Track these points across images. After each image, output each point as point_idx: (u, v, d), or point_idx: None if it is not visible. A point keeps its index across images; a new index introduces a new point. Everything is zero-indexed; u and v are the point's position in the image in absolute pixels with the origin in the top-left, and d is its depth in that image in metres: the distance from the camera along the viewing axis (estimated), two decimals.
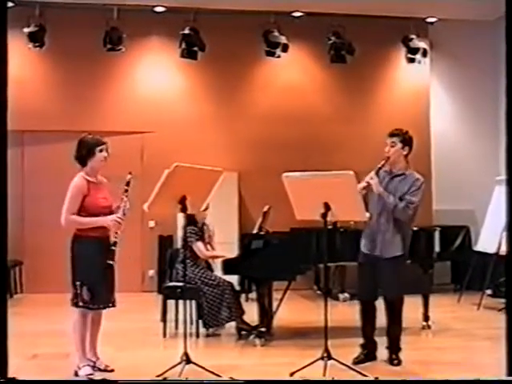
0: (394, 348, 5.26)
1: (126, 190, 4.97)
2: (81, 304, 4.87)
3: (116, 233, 4.88)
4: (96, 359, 5.08)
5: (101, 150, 4.97)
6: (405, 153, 5.26)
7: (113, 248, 4.87)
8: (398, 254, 5.15)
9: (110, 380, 4.79)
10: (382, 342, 5.32)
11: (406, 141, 5.26)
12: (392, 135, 5.26)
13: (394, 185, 5.21)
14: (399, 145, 5.22)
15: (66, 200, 4.88)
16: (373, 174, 5.15)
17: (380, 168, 5.20)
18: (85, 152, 4.97)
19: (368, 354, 5.31)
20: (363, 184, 5.08)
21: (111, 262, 4.87)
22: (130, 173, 4.99)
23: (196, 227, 6.61)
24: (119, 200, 4.99)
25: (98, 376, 4.90)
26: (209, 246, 6.74)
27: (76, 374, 4.91)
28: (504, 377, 3.70)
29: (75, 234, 4.93)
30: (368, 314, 5.34)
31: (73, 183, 4.92)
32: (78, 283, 4.86)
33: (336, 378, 4.69)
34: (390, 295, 5.22)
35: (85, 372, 4.88)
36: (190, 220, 6.40)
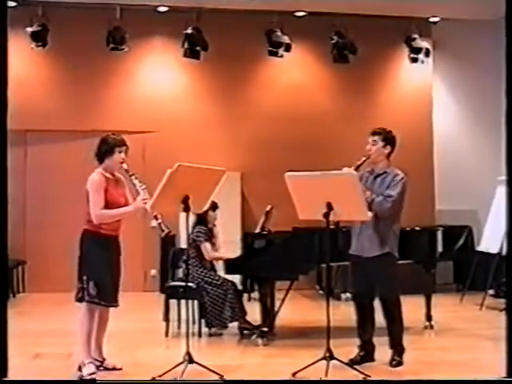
0: (397, 348, 5.24)
1: (131, 175, 4.96)
2: (87, 298, 4.86)
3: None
4: (102, 359, 5.07)
5: (120, 152, 5.00)
6: (386, 152, 5.23)
7: (159, 221, 4.94)
8: (379, 253, 5.12)
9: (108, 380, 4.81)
10: (383, 343, 5.31)
11: (388, 140, 5.23)
12: (374, 133, 5.24)
13: (377, 184, 5.19)
14: (381, 143, 5.21)
15: (91, 197, 4.87)
16: (351, 169, 5.07)
17: (359, 165, 5.15)
18: (104, 150, 4.99)
19: (365, 355, 5.28)
20: None
21: (167, 230, 4.94)
22: (121, 162, 4.98)
23: (206, 227, 6.60)
24: (132, 189, 5.03)
25: (102, 375, 4.90)
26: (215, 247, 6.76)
27: (80, 370, 4.90)
28: (504, 376, 3.70)
29: (85, 229, 4.93)
30: (364, 316, 5.32)
31: (91, 180, 4.92)
32: (84, 278, 4.86)
33: (338, 378, 4.69)
34: (381, 294, 5.21)
35: (88, 370, 4.86)
36: (201, 220, 6.42)
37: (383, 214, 5.09)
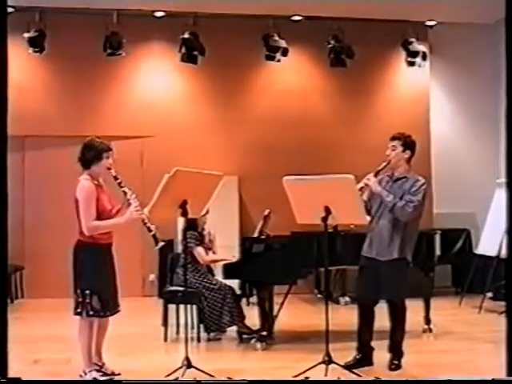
0: (396, 352, 5.25)
1: (120, 183, 4.83)
2: (91, 313, 4.75)
3: (142, 220, 4.77)
4: (102, 364, 5.04)
5: (107, 157, 4.88)
6: (406, 156, 5.23)
7: (153, 232, 4.77)
8: (395, 258, 5.11)
9: (113, 380, 4.80)
10: (382, 346, 5.31)
11: (408, 144, 5.22)
12: (393, 139, 5.24)
13: (396, 188, 5.19)
14: (400, 148, 5.20)
15: (82, 207, 4.73)
16: (371, 175, 5.15)
17: (379, 170, 5.21)
18: (91, 156, 4.85)
19: (362, 358, 5.28)
20: (359, 185, 5.06)
21: (163, 243, 4.81)
22: (108, 168, 4.85)
23: (196, 232, 6.60)
24: (122, 198, 4.88)
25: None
26: (210, 252, 6.73)
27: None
28: (504, 377, 3.70)
29: (80, 240, 4.81)
30: (366, 319, 5.31)
31: (82, 189, 4.77)
32: (87, 292, 4.72)
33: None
34: (390, 298, 5.21)
35: (91, 376, 4.84)
36: (190, 224, 6.38)
37: (404, 218, 5.09)
